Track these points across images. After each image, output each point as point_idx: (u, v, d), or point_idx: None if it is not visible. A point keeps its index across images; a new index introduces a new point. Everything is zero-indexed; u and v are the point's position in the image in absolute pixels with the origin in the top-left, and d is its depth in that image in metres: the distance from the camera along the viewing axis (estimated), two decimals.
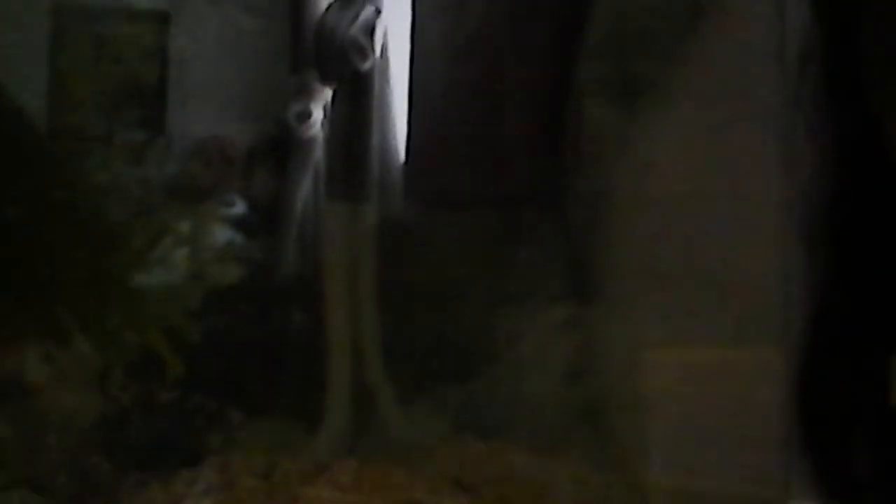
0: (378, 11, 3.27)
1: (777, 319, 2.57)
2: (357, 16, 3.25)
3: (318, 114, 3.31)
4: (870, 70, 0.57)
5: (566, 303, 3.05)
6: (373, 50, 3.26)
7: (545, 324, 3.06)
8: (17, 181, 2.77)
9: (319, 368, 3.11)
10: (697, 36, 2.83)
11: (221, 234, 3.31)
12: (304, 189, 3.31)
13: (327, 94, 3.32)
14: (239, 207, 3.37)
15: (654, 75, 2.91)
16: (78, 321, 2.84)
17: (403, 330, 3.12)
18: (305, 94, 3.32)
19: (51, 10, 3.29)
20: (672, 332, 2.95)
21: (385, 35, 3.28)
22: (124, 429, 3.07)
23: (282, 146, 3.32)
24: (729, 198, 2.84)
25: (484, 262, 3.10)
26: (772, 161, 2.53)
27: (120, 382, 3.03)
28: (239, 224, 3.34)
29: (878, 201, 0.60)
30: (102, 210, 3.09)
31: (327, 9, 3.30)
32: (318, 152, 3.32)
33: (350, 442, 3.13)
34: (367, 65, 3.27)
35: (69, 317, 2.83)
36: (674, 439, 2.96)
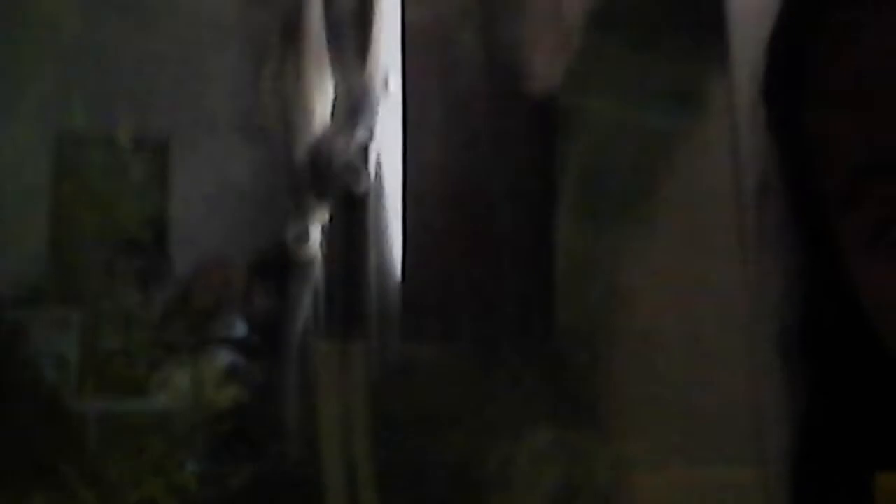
0: (371, 134, 3.31)
1: (752, 442, 2.59)
2: (351, 139, 3.30)
3: (315, 235, 3.36)
4: (829, 187, 0.61)
5: (553, 429, 3.08)
6: (367, 171, 3.30)
7: (533, 449, 3.08)
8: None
9: (316, 500, 3.14)
10: (662, 166, 2.87)
11: (223, 357, 3.36)
12: (304, 309, 3.36)
13: (324, 215, 3.36)
14: (240, 330, 3.42)
15: (626, 203, 2.94)
16: (78, 471, 2.90)
17: (397, 459, 3.16)
18: (302, 216, 3.36)
19: (53, 140, 3.36)
20: (654, 455, 2.98)
21: (378, 157, 3.32)
22: None
23: (281, 268, 3.37)
24: (701, 324, 2.86)
25: (473, 391, 3.13)
26: (741, 284, 2.56)
27: None
28: (239, 346, 3.39)
29: (849, 318, 0.62)
30: (102, 342, 3.16)
31: (323, 133, 3.35)
32: (317, 272, 3.37)
33: None
34: (362, 186, 3.31)
35: (72, 470, 2.90)
36: None
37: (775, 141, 0.74)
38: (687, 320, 2.86)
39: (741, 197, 2.56)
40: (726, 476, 2.85)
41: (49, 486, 2.88)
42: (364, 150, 3.31)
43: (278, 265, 3.38)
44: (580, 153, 3.02)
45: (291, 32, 3.35)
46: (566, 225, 3.04)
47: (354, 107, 3.34)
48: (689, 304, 2.86)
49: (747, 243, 2.43)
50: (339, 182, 3.30)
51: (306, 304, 3.37)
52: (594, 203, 3.00)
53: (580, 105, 2.99)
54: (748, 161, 0.78)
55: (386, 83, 3.33)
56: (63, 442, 2.83)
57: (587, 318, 3.00)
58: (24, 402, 2.78)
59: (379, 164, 3.33)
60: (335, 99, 3.36)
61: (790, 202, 0.74)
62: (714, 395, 2.83)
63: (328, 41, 3.34)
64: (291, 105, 3.41)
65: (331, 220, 3.37)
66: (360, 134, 3.31)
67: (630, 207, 2.94)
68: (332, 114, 3.36)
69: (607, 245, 2.98)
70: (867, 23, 0.67)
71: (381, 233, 3.32)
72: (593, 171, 2.99)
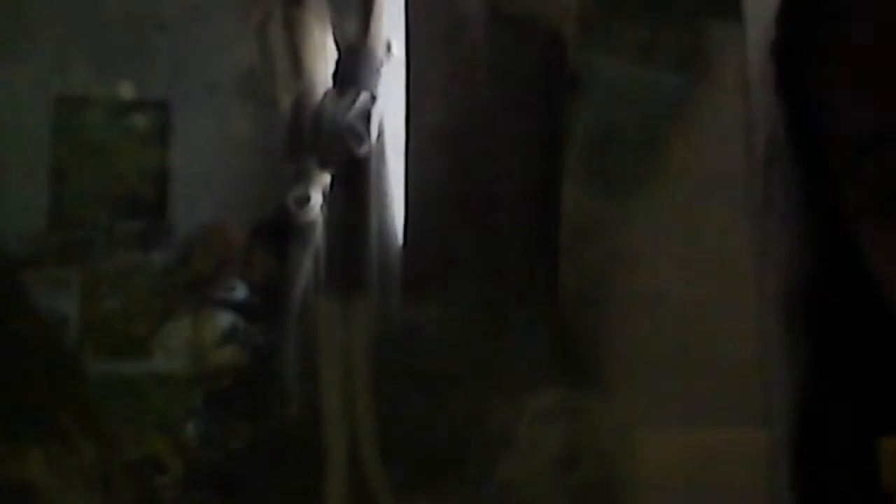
0: (374, 98, 3.31)
1: (758, 404, 2.60)
2: (353, 102, 3.29)
3: (316, 198, 3.35)
4: (837, 153, 0.60)
5: (556, 390, 3.08)
6: (369, 135, 3.30)
7: (536, 410, 3.08)
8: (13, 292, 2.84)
9: (317, 462, 3.14)
10: (672, 128, 2.86)
11: (223, 320, 3.36)
12: (305, 273, 3.35)
13: (325, 178, 3.36)
14: (240, 293, 3.42)
15: (634, 166, 2.93)
16: (79, 424, 2.90)
17: (399, 419, 3.16)
18: (304, 179, 3.35)
19: (53, 101, 3.35)
20: (659, 416, 2.99)
21: (381, 121, 3.32)
22: None
23: (281, 231, 3.36)
24: (709, 288, 2.86)
25: (476, 351, 3.13)
26: (748, 248, 2.56)
27: (122, 483, 3.07)
28: (240, 309, 3.38)
29: (855, 283, 0.62)
30: (102, 303, 3.15)
31: (324, 96, 3.34)
32: (318, 236, 3.36)
33: None
34: (363, 150, 3.30)
35: (70, 419, 2.89)
36: None
37: (784, 105, 0.74)
38: (694, 282, 2.86)
39: (751, 160, 2.56)
40: (732, 437, 2.86)
41: (49, 439, 2.87)
42: (366, 114, 3.30)
43: (279, 228, 3.37)
44: (588, 115, 3.01)
45: None
46: (572, 187, 3.03)
47: (356, 70, 3.33)
48: (695, 266, 2.86)
49: (756, 206, 2.43)
50: (340, 145, 3.30)
51: (307, 267, 3.37)
52: (601, 165, 3.00)
53: (589, 67, 2.99)
54: (759, 125, 0.77)
55: (389, 46, 3.32)
56: (64, 397, 2.82)
57: (593, 280, 3.00)
58: (25, 357, 2.77)
59: (381, 128, 3.32)
60: (337, 61, 3.35)
61: (797, 166, 0.74)
62: (720, 357, 2.83)
63: (330, 2, 3.33)
64: (293, 68, 3.40)
65: (332, 183, 3.36)
66: (363, 97, 3.30)
67: (638, 170, 2.93)
68: (334, 77, 3.35)
69: (614, 207, 2.97)
70: None
71: (383, 196, 3.32)
72: (601, 133, 2.99)
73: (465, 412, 3.08)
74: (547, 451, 3.09)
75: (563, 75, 3.06)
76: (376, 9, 3.29)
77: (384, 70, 3.33)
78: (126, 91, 3.20)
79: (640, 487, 3.07)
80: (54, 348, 2.85)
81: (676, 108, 2.89)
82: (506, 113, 3.19)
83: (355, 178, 3.32)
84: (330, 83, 3.34)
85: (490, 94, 3.20)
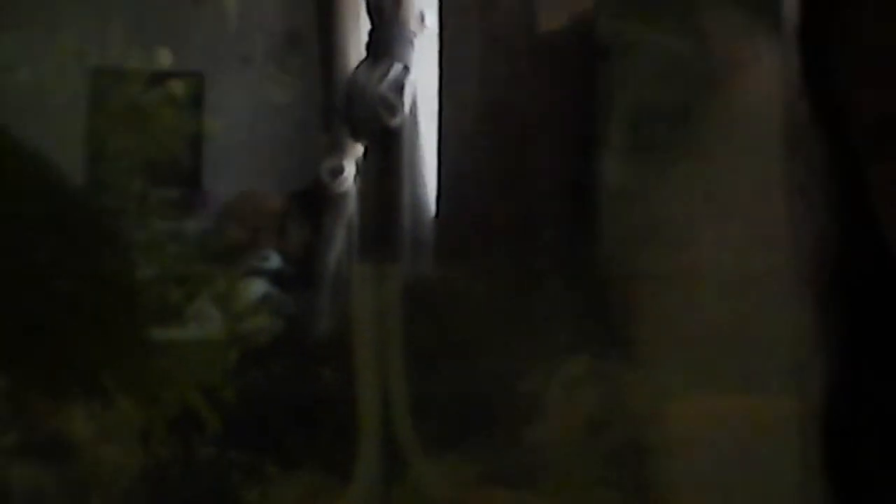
0: (407, 69, 3.33)
1: (791, 373, 2.62)
2: (386, 74, 3.31)
3: (350, 169, 3.38)
4: (861, 133, 0.61)
5: (588, 357, 3.10)
6: (402, 106, 3.32)
7: (568, 377, 3.11)
8: (61, 249, 2.86)
9: (350, 422, 3.18)
10: (709, 99, 2.88)
11: (257, 288, 3.38)
12: (338, 243, 3.38)
13: (359, 150, 3.39)
14: (274, 261, 3.44)
15: (670, 138, 2.95)
16: (119, 381, 2.93)
17: (431, 384, 3.19)
18: (337, 150, 3.39)
19: (89, 71, 3.38)
20: (690, 384, 3.01)
21: (414, 92, 3.34)
22: (165, 484, 3.15)
23: (315, 201, 3.39)
24: (744, 256, 2.89)
25: (508, 318, 3.15)
26: (784, 219, 2.58)
27: (161, 439, 3.10)
28: (274, 278, 3.41)
29: (882, 257, 0.63)
30: (138, 270, 3.18)
31: (357, 67, 3.36)
32: (351, 206, 3.39)
33: (381, 492, 3.20)
34: (396, 121, 3.32)
35: (111, 376, 2.92)
36: (697, 486, 3.01)
37: (808, 84, 0.75)
38: (730, 252, 2.88)
39: (789, 129, 2.57)
40: (762, 405, 2.88)
41: (91, 396, 2.91)
42: (399, 85, 3.32)
43: (313, 198, 3.40)
44: (624, 85, 3.03)
45: None
46: (609, 157, 3.06)
47: (390, 41, 3.35)
48: (730, 237, 2.88)
49: (794, 175, 2.45)
50: (373, 116, 3.32)
51: (340, 237, 3.40)
52: (638, 136, 3.02)
53: (624, 37, 3.01)
54: (798, 96, 0.79)
55: (422, 17, 3.35)
56: (107, 356, 2.85)
57: (628, 250, 3.02)
58: (70, 315, 2.81)
59: (415, 99, 3.35)
60: (370, 32, 3.37)
61: (823, 146, 0.75)
62: (754, 326, 2.85)
63: None
64: (327, 39, 3.43)
65: (365, 154, 3.39)
66: (396, 68, 3.33)
67: (674, 140, 2.95)
68: (368, 48, 3.38)
69: (650, 177, 2.99)
70: None
71: (416, 167, 3.35)
72: (637, 103, 3.01)
73: (497, 376, 3.11)
74: (577, 415, 3.12)
75: (595, 46, 3.09)
76: None
77: (417, 41, 3.35)
78: (163, 58, 3.23)
79: (670, 453, 3.10)
80: (97, 308, 2.88)
81: (713, 78, 2.91)
82: (539, 83, 3.22)
83: (388, 149, 3.35)
84: (363, 54, 3.37)
85: (523, 64, 3.22)
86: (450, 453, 3.18)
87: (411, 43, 3.35)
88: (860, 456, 0.75)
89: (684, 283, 2.99)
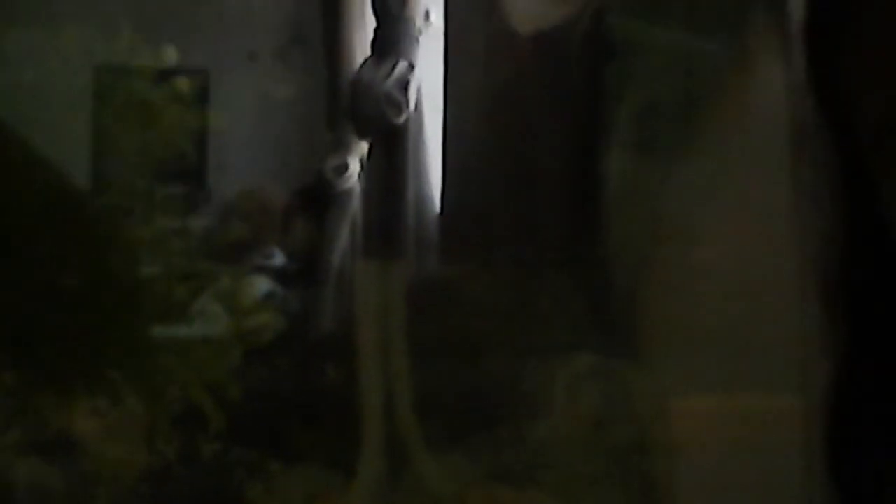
0: (412, 66, 3.33)
1: (795, 371, 2.63)
2: (391, 71, 3.31)
3: (354, 167, 3.38)
4: (866, 134, 0.61)
5: (592, 354, 3.11)
6: (407, 104, 3.32)
7: (572, 374, 3.11)
8: (67, 246, 2.87)
9: (354, 419, 3.18)
10: (715, 97, 2.88)
11: (261, 286, 3.38)
12: (342, 240, 3.38)
13: (363, 147, 3.38)
14: (278, 259, 3.44)
15: (677, 135, 2.96)
16: (124, 377, 2.93)
17: (434, 381, 3.19)
18: (342, 147, 3.38)
19: (94, 69, 3.37)
20: (695, 382, 3.01)
21: (419, 89, 3.34)
22: (169, 481, 3.15)
23: (319, 199, 3.39)
24: (749, 254, 2.88)
25: (512, 315, 3.16)
26: (789, 218, 2.58)
27: (165, 436, 3.11)
28: (278, 275, 3.41)
29: (887, 259, 0.63)
30: (143, 267, 3.18)
31: (362, 65, 3.36)
32: (355, 204, 3.39)
33: (384, 490, 3.20)
34: (401, 119, 3.32)
35: (116, 373, 2.93)
36: (701, 485, 3.01)
37: (813, 85, 0.75)
38: (733, 251, 2.88)
39: (795, 128, 2.58)
40: (767, 404, 2.88)
41: (96, 392, 2.91)
42: (404, 82, 3.32)
43: (317, 196, 3.40)
44: (629, 82, 3.03)
45: None
46: (614, 156, 3.06)
47: (395, 38, 3.35)
48: (736, 236, 2.88)
49: (800, 174, 2.45)
50: (378, 114, 3.32)
51: (344, 235, 3.40)
52: (643, 132, 3.02)
53: (630, 33, 3.01)
54: (803, 93, 0.79)
55: (427, 14, 3.35)
56: (112, 352, 2.86)
57: (633, 247, 3.02)
58: (76, 312, 2.81)
59: (419, 97, 3.35)
60: (375, 30, 3.37)
61: (828, 147, 0.75)
62: (759, 324, 2.85)
63: None
64: (332, 36, 3.43)
65: (370, 151, 3.39)
66: (401, 65, 3.33)
67: (680, 136, 2.95)
68: (373, 45, 3.38)
69: (655, 174, 2.99)
70: None
71: (421, 165, 3.34)
72: (643, 100, 3.01)
73: (501, 373, 3.11)
74: (581, 413, 3.12)
75: (601, 43, 3.08)
76: None
77: (422, 38, 3.35)
78: (169, 55, 3.23)
79: (673, 451, 3.10)
80: (103, 305, 2.88)
81: (720, 75, 2.91)
82: (544, 80, 3.21)
83: (393, 146, 3.35)
84: (369, 52, 3.37)
85: (529, 61, 3.22)
86: (453, 450, 3.18)
87: (416, 40, 3.35)
88: (863, 456, 0.75)
89: (689, 281, 2.99)
